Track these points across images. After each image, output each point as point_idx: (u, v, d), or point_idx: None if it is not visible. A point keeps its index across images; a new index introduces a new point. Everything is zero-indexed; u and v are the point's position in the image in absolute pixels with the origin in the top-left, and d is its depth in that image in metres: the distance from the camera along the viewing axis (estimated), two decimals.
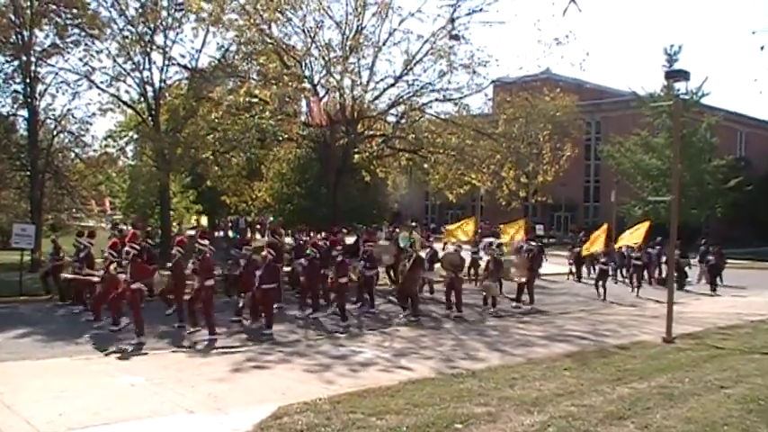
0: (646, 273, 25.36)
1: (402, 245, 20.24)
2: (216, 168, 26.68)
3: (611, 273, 24.08)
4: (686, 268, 26.07)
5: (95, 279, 15.20)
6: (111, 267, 14.08)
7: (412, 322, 15.94)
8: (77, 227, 25.25)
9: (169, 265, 15.21)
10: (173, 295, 14.98)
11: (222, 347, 12.60)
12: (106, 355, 11.72)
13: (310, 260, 16.94)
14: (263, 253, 14.99)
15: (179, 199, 34.21)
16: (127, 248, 13.18)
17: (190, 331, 13.73)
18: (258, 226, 44.25)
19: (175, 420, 7.97)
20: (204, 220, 40.35)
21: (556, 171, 26.75)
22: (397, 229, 23.41)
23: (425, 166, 28.94)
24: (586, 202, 59.46)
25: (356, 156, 27.62)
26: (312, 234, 19.52)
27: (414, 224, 34.74)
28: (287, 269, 18.88)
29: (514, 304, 19.19)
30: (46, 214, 26.55)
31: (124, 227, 20.17)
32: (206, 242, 14.00)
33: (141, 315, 12.98)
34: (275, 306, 15.67)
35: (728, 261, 27.27)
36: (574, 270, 28.06)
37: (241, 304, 15.28)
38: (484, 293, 18.98)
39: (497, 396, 8.92)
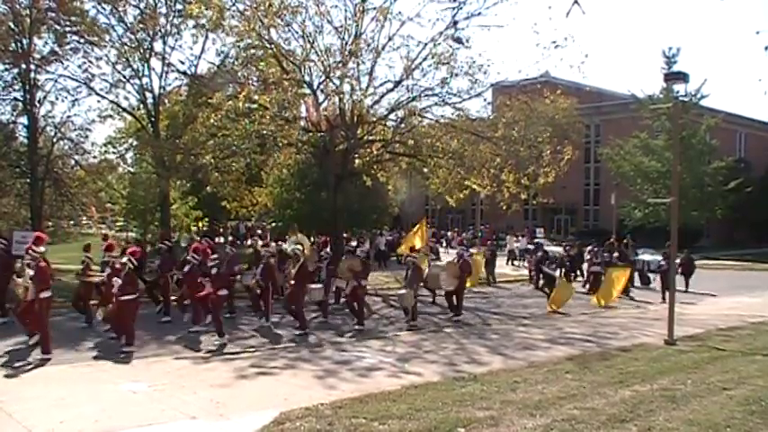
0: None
1: (289, 250, 18.22)
2: (216, 174, 26.67)
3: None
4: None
5: None
6: None
7: (299, 340, 14.38)
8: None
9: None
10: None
11: (225, 353, 12.61)
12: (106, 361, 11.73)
13: (190, 268, 15.52)
14: (123, 260, 13.26)
15: (179, 205, 34.20)
16: None
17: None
18: (260, 231, 44.42)
19: (177, 427, 7.96)
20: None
21: (556, 173, 26.64)
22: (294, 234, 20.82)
23: (425, 170, 28.93)
24: (586, 204, 59.43)
25: (357, 160, 27.63)
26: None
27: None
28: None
29: (452, 315, 17.67)
30: (46, 221, 26.55)
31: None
32: (42, 249, 12.74)
33: None
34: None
35: (728, 263, 27.00)
36: (533, 275, 27.19)
37: (100, 316, 13.75)
38: (402, 304, 17.25)
39: (500, 400, 8.91)
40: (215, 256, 15.11)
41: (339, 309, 18.30)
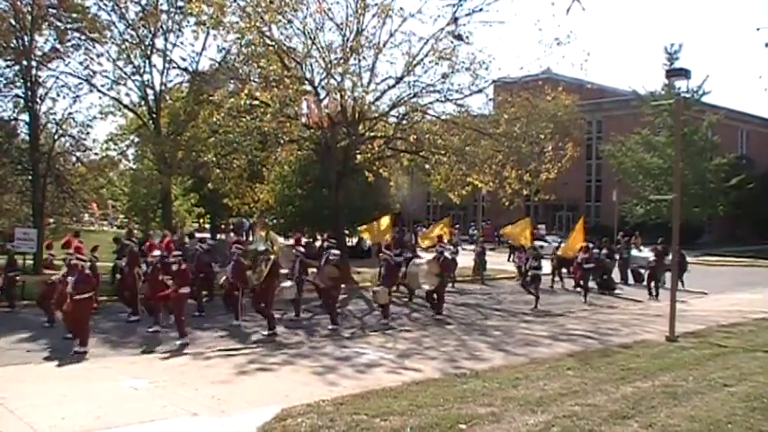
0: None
1: (258, 248, 17.79)
2: (217, 171, 26.63)
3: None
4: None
5: None
6: None
7: (269, 338, 14.06)
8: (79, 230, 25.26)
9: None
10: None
11: (225, 349, 12.61)
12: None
13: (151, 266, 14.98)
14: (74, 261, 12.90)
15: (181, 202, 34.19)
16: None
17: None
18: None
19: (178, 423, 7.96)
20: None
21: (558, 170, 26.61)
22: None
23: (427, 167, 28.91)
24: (588, 201, 59.36)
25: (358, 157, 27.62)
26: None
27: (416, 225, 34.69)
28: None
29: (437, 316, 17.31)
30: (47, 218, 26.55)
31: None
32: None
33: None
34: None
35: (730, 260, 26.68)
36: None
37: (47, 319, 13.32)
38: (376, 302, 17.04)
39: (501, 396, 8.90)
40: (178, 252, 14.53)
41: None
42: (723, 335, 14.63)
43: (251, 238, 34.90)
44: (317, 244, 23.57)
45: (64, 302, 12.71)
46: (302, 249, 17.76)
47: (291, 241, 19.15)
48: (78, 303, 12.31)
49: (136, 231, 23.79)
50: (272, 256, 15.18)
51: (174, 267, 13.82)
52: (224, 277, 16.37)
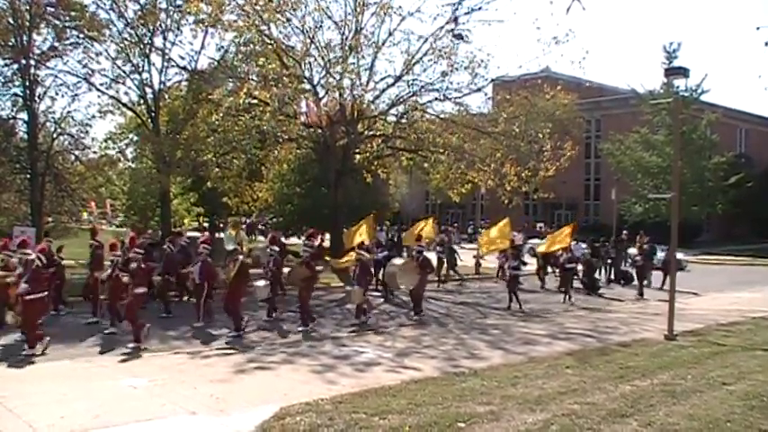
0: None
1: (227, 247, 17.37)
2: (216, 170, 26.63)
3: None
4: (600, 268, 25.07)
5: None
6: None
7: (233, 342, 13.43)
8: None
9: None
10: None
11: (224, 348, 12.60)
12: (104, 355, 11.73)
13: (113, 266, 14.11)
14: (31, 257, 12.30)
15: (180, 201, 34.19)
16: None
17: None
18: (262, 227, 44.59)
19: (177, 422, 7.95)
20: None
21: (557, 168, 26.62)
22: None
23: (426, 165, 28.94)
24: (587, 199, 59.31)
25: (357, 156, 27.65)
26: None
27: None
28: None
29: (415, 316, 16.95)
30: (46, 217, 26.56)
31: None
32: None
33: None
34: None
35: (729, 259, 26.59)
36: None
37: (11, 321, 12.78)
38: (351, 302, 16.64)
39: (500, 395, 8.90)
40: (139, 250, 13.72)
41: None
42: (722, 333, 14.64)
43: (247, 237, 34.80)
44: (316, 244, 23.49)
45: (16, 304, 12.32)
46: (277, 249, 17.48)
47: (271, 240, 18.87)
48: (29, 303, 11.87)
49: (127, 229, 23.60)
50: (241, 257, 14.81)
51: (134, 266, 13.07)
52: (192, 277, 15.87)
